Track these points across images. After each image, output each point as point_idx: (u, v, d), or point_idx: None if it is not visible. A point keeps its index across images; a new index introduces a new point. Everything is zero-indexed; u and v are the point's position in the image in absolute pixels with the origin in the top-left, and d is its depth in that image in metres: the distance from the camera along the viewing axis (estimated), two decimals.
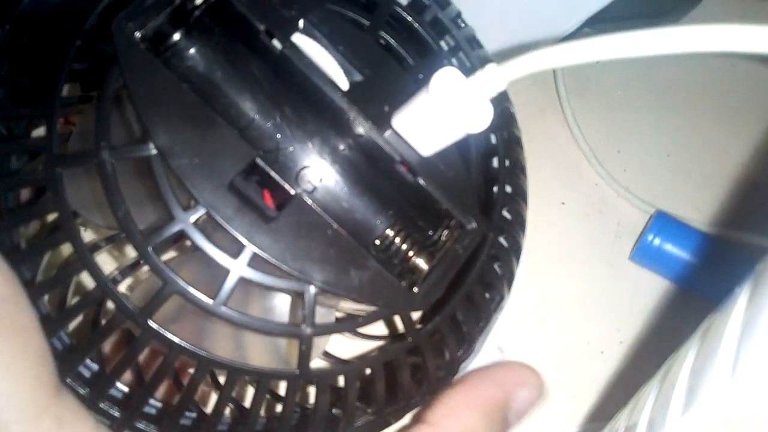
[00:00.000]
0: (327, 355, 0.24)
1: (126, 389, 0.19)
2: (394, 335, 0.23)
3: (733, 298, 0.15)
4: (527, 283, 0.32)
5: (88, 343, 0.17)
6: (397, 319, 0.20)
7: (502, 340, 0.30)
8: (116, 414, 0.18)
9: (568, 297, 0.33)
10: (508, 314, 0.30)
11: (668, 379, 0.16)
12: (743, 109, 0.39)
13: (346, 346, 0.24)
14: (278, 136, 0.21)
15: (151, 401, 0.19)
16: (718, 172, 0.37)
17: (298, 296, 0.18)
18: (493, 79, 0.15)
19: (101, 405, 0.18)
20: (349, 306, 0.22)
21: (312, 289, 0.18)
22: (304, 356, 0.18)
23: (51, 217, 0.18)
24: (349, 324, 0.19)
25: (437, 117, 0.17)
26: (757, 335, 0.13)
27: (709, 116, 0.39)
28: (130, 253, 0.25)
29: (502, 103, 0.23)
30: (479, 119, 0.17)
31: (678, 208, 0.35)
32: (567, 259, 0.34)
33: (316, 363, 0.20)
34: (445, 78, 0.16)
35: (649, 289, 0.34)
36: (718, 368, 0.14)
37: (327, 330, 0.18)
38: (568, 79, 0.38)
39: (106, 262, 0.28)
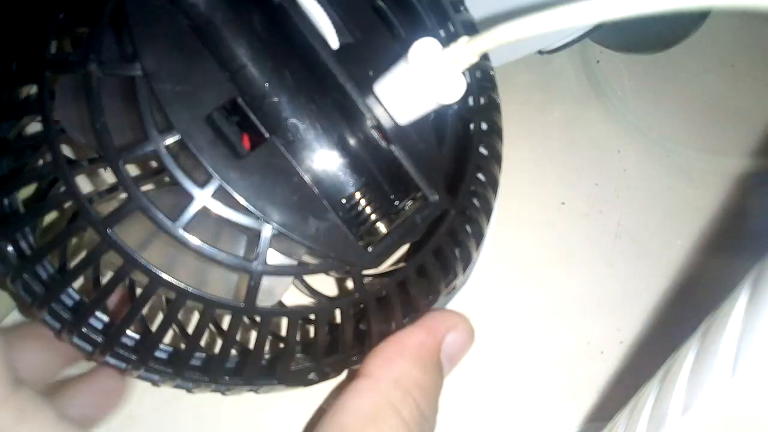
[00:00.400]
0: (281, 305, 0.24)
1: (77, 297, 0.20)
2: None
3: (733, 298, 0.15)
4: (527, 282, 0.33)
5: (49, 243, 0.18)
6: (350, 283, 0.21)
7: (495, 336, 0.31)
8: (67, 317, 0.19)
9: (568, 297, 0.33)
10: (510, 313, 0.31)
11: (668, 379, 0.17)
12: (745, 110, 0.39)
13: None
14: (267, 85, 0.22)
15: (100, 316, 0.20)
16: (719, 174, 0.38)
17: (255, 236, 0.19)
18: (465, 51, 0.16)
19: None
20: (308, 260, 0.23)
21: (268, 228, 0.18)
22: (252, 292, 0.19)
23: (35, 125, 0.19)
24: (300, 269, 0.20)
25: (413, 86, 0.18)
26: (757, 335, 0.13)
27: (710, 117, 0.39)
28: (110, 178, 0.26)
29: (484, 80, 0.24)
30: (452, 90, 0.18)
31: (679, 209, 0.36)
32: (567, 259, 0.35)
33: None
34: (423, 48, 0.17)
35: (649, 289, 0.34)
36: (718, 368, 0.14)
37: (278, 271, 0.19)
38: (569, 79, 0.38)
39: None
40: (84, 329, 0.19)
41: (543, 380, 0.31)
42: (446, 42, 0.17)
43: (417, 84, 0.18)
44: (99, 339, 0.20)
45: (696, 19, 0.36)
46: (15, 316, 0.26)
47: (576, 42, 0.34)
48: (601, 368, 0.31)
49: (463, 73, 0.18)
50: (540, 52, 0.36)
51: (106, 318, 0.20)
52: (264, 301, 0.24)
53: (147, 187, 0.24)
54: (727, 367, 0.14)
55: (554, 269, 0.34)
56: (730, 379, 0.13)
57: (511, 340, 0.32)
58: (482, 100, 0.24)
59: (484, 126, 0.24)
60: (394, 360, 0.19)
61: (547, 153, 0.37)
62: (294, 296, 0.27)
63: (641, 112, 0.39)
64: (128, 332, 0.20)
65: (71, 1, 0.19)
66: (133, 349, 0.20)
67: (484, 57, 0.26)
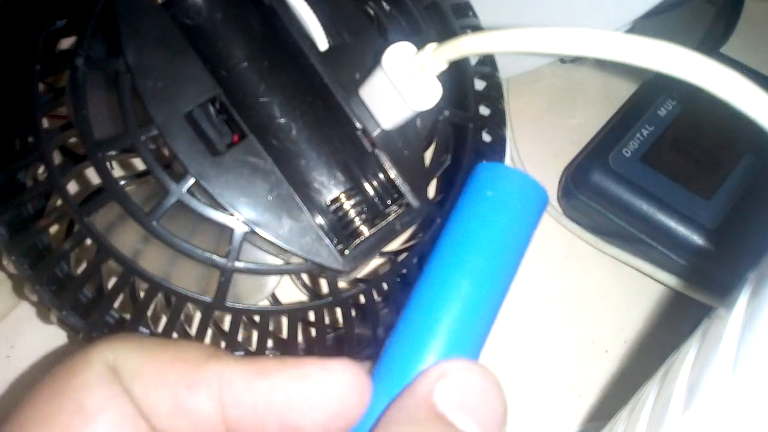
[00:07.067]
0: (273, 298, 0.24)
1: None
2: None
3: (733, 298, 0.15)
4: (531, 282, 0.32)
5: (33, 227, 0.19)
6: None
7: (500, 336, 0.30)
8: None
9: (572, 296, 0.33)
10: (514, 313, 0.30)
11: (668, 377, 0.16)
12: None
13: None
14: (263, 85, 0.22)
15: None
16: None
17: (229, 232, 0.19)
18: (432, 58, 0.16)
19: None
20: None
21: (241, 225, 0.19)
22: (222, 288, 0.19)
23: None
24: (274, 269, 0.20)
25: (389, 90, 0.18)
26: (757, 333, 0.13)
27: None
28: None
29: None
30: (425, 97, 0.17)
31: None
32: (571, 257, 0.34)
33: None
34: (396, 53, 0.17)
35: (653, 289, 0.33)
36: (718, 366, 0.14)
37: (249, 270, 0.19)
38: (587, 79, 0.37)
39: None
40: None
41: (548, 379, 0.31)
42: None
43: (391, 89, 0.18)
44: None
45: None
46: (15, 315, 0.27)
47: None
48: (605, 367, 0.31)
49: (441, 81, 0.17)
50: (562, 61, 0.35)
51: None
52: (256, 294, 0.24)
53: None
54: (727, 366, 0.13)
55: (559, 268, 0.33)
56: (730, 378, 0.13)
57: (516, 339, 0.31)
58: (484, 109, 0.24)
59: (484, 134, 0.24)
60: None
61: (551, 151, 0.36)
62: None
63: None
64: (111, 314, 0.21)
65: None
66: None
67: (492, 66, 0.25)
